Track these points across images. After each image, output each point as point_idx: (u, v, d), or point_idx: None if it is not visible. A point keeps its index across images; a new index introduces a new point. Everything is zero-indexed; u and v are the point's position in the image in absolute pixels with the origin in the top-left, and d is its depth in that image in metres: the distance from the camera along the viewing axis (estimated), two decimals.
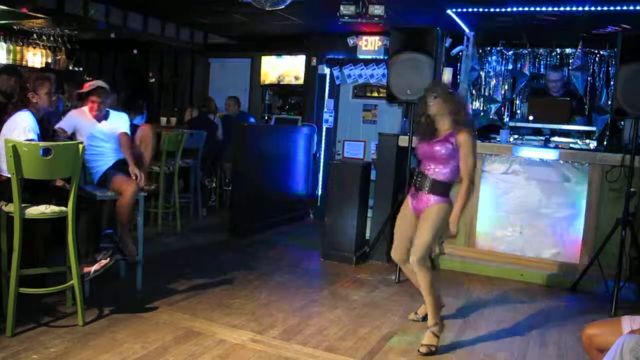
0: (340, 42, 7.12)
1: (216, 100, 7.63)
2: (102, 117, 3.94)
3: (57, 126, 3.82)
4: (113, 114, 4.03)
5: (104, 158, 3.90)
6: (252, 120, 7.54)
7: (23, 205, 3.05)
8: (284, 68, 8.02)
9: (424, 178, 3.31)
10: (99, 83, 3.95)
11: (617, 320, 2.23)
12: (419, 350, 3.16)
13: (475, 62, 6.60)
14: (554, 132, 4.96)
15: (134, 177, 3.79)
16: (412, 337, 3.37)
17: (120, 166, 3.90)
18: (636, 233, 4.20)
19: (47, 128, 3.55)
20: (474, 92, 7.21)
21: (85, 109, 3.94)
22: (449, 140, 3.26)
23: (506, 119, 6.88)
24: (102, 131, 3.92)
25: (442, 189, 3.27)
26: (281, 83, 8.08)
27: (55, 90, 3.64)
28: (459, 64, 6.49)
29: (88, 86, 3.93)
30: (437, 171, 3.29)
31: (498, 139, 4.96)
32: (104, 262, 3.55)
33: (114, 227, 3.88)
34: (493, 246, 4.94)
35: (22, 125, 3.22)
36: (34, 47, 7.86)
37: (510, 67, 6.96)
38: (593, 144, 4.71)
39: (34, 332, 3.07)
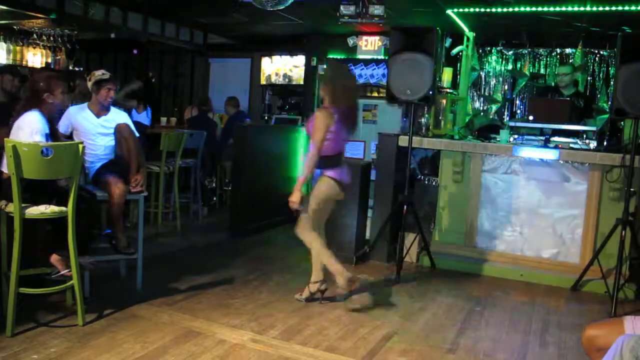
0: (340, 42, 7.12)
1: (216, 100, 7.60)
2: (109, 106, 3.93)
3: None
4: (114, 110, 4.01)
5: (98, 157, 3.90)
6: (247, 119, 7.51)
7: (23, 205, 3.05)
8: (283, 68, 8.01)
9: None
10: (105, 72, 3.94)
11: (618, 321, 2.20)
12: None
13: (475, 62, 6.60)
14: (555, 132, 4.96)
15: (134, 184, 3.77)
16: (412, 337, 3.37)
17: (112, 166, 3.89)
18: (636, 233, 4.20)
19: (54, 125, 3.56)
20: (474, 92, 7.22)
21: (86, 106, 3.93)
22: (310, 117, 3.76)
23: (506, 119, 6.88)
24: (101, 129, 3.90)
25: (321, 162, 3.68)
26: (281, 83, 8.08)
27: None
28: (459, 64, 6.49)
29: (96, 75, 3.87)
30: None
31: (498, 139, 4.96)
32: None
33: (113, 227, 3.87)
34: (493, 246, 4.95)
35: (31, 127, 3.21)
36: (34, 47, 7.85)
37: (510, 67, 6.97)
38: (593, 144, 4.71)
39: (34, 332, 3.07)
